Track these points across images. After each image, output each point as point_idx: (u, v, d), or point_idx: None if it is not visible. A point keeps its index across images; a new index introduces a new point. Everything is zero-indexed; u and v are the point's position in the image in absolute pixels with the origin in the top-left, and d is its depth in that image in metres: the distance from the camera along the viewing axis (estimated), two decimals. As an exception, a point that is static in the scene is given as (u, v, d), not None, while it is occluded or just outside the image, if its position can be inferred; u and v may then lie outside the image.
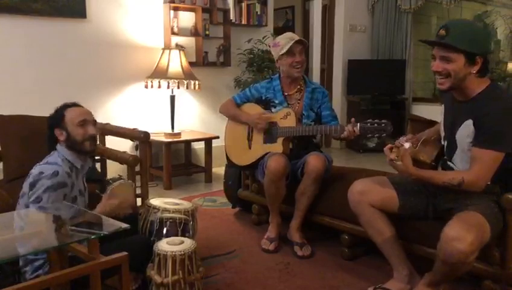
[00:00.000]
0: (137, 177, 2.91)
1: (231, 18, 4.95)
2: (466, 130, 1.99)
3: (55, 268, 1.72)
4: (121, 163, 2.86)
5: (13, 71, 3.83)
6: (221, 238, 3.03)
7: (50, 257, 1.76)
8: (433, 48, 1.99)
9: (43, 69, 3.97)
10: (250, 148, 3.00)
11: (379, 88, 6.00)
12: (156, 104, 4.63)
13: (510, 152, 1.93)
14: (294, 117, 2.84)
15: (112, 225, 1.73)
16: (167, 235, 2.22)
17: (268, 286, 2.41)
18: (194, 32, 4.76)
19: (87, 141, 2.07)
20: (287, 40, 2.84)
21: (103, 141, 3.55)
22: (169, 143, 4.27)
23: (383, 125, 2.52)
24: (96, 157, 3.08)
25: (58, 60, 4.04)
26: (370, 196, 2.24)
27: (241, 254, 2.80)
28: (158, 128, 4.53)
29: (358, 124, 2.58)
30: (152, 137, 3.80)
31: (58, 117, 2.07)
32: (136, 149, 4.17)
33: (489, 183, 1.97)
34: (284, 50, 2.81)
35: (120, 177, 2.27)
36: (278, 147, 2.85)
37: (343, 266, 2.64)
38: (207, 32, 4.80)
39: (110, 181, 2.21)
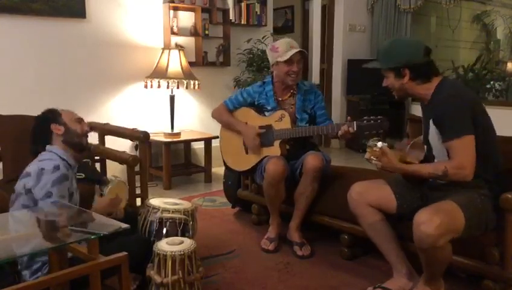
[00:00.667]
0: (137, 177, 2.91)
1: (231, 18, 4.95)
2: (432, 131, 2.11)
3: (54, 268, 1.72)
4: (121, 163, 2.86)
5: (13, 71, 3.83)
6: (221, 238, 3.03)
7: (50, 257, 1.76)
8: None
9: (42, 69, 3.97)
10: (247, 153, 2.97)
11: (379, 88, 5.94)
12: (155, 104, 4.63)
13: (477, 134, 1.98)
14: (289, 118, 2.82)
15: (112, 225, 1.74)
16: (167, 235, 2.22)
17: (268, 285, 2.42)
18: (194, 32, 4.76)
19: (85, 137, 2.16)
20: (287, 47, 2.79)
21: (103, 141, 3.55)
22: (169, 143, 4.27)
23: (379, 121, 2.52)
24: (96, 157, 3.08)
25: (57, 60, 4.04)
26: (368, 196, 2.28)
27: (240, 253, 2.80)
28: (158, 128, 4.53)
29: (355, 122, 2.56)
30: (152, 137, 3.80)
31: (54, 113, 2.12)
32: (136, 149, 4.16)
33: (473, 178, 2.00)
34: (284, 58, 2.77)
35: (115, 178, 2.29)
36: (275, 150, 2.83)
37: (343, 265, 2.64)
38: (206, 32, 4.80)
39: (105, 179, 2.26)
